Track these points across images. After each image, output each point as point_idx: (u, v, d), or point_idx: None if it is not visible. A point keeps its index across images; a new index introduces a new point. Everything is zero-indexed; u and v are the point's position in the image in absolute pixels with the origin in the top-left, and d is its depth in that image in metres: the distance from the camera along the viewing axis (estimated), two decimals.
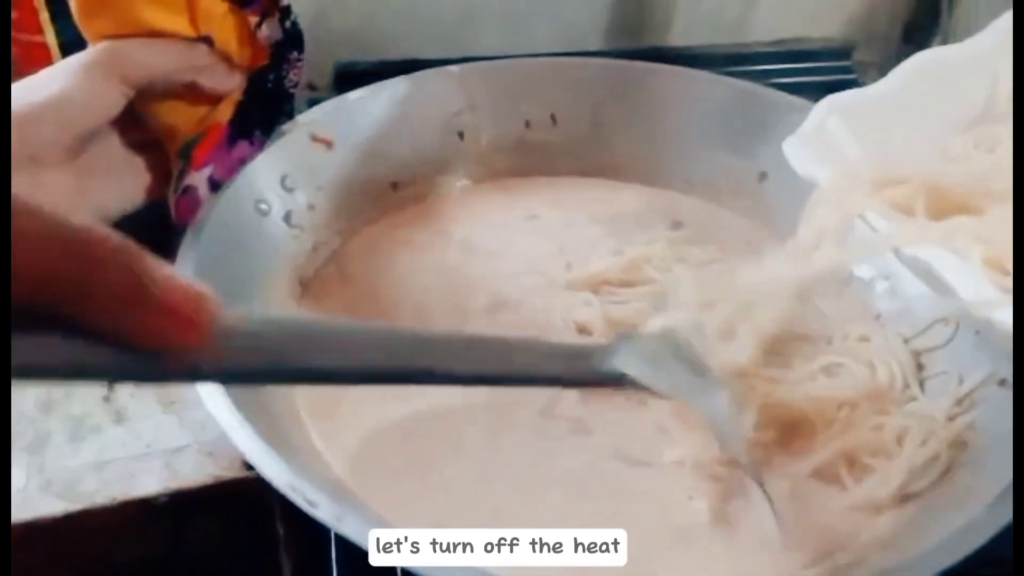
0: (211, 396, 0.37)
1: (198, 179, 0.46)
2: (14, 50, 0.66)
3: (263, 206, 0.50)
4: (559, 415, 0.45)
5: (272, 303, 0.48)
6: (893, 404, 0.44)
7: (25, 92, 0.43)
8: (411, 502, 0.40)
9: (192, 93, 0.47)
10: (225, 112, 0.48)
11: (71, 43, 0.56)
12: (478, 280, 0.54)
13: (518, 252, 0.56)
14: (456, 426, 0.44)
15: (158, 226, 0.59)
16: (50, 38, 0.61)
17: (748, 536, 0.40)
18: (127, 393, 0.53)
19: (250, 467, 0.49)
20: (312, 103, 0.57)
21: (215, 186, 0.46)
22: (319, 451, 0.42)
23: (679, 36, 0.83)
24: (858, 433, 0.43)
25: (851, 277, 0.51)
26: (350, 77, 0.71)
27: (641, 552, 0.38)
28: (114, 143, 0.46)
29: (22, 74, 0.65)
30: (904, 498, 0.41)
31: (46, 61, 0.59)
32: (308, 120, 0.54)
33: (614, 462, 0.43)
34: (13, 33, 0.62)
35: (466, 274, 0.54)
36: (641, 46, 0.81)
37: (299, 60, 0.49)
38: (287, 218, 0.51)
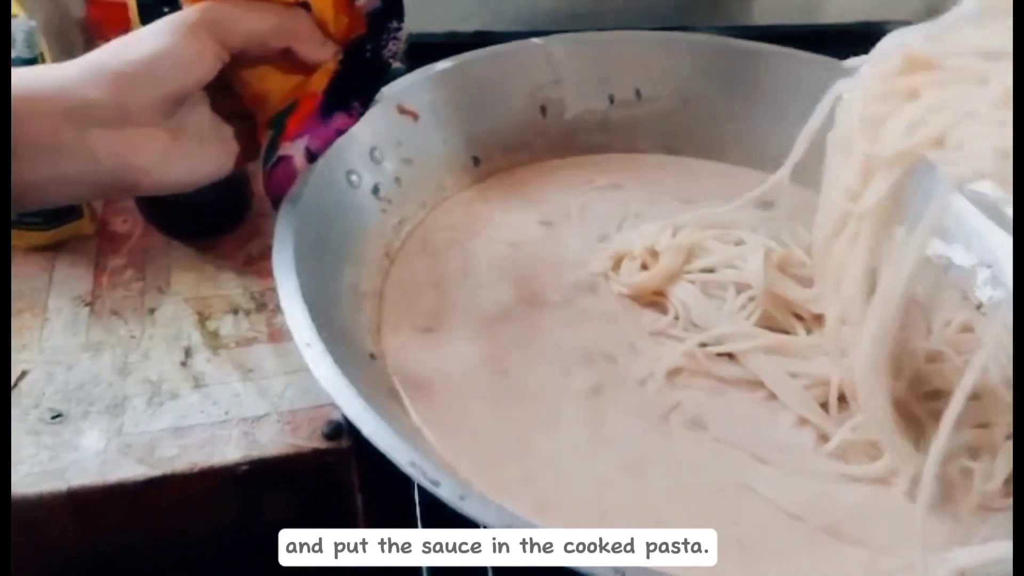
0: (317, 362, 0.36)
1: (294, 149, 0.45)
2: (93, 12, 0.65)
3: (353, 177, 0.49)
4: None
5: (361, 275, 0.48)
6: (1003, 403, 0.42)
7: (121, 50, 0.42)
8: (513, 483, 0.40)
9: (286, 61, 0.46)
10: (319, 82, 0.47)
11: (149, 4, 0.56)
12: (557, 256, 0.53)
13: (599, 229, 0.54)
14: (554, 404, 0.44)
15: (231, 199, 0.59)
16: None
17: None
18: (203, 359, 0.53)
19: (330, 438, 0.49)
20: (389, 79, 0.56)
21: (312, 157, 0.46)
22: (418, 426, 0.42)
23: (756, 15, 0.81)
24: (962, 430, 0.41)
25: (950, 264, 0.49)
26: (423, 48, 0.70)
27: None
28: (204, 109, 0.46)
29: (102, 35, 0.65)
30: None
31: (124, 22, 0.59)
32: (395, 91, 0.53)
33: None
34: None
35: (546, 250, 0.53)
36: (718, 24, 0.79)
37: (398, 30, 0.48)
38: (375, 191, 0.50)
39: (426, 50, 0.63)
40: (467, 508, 0.32)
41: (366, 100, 0.49)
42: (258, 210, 0.60)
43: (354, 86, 0.47)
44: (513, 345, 0.47)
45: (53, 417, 0.48)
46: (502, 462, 0.41)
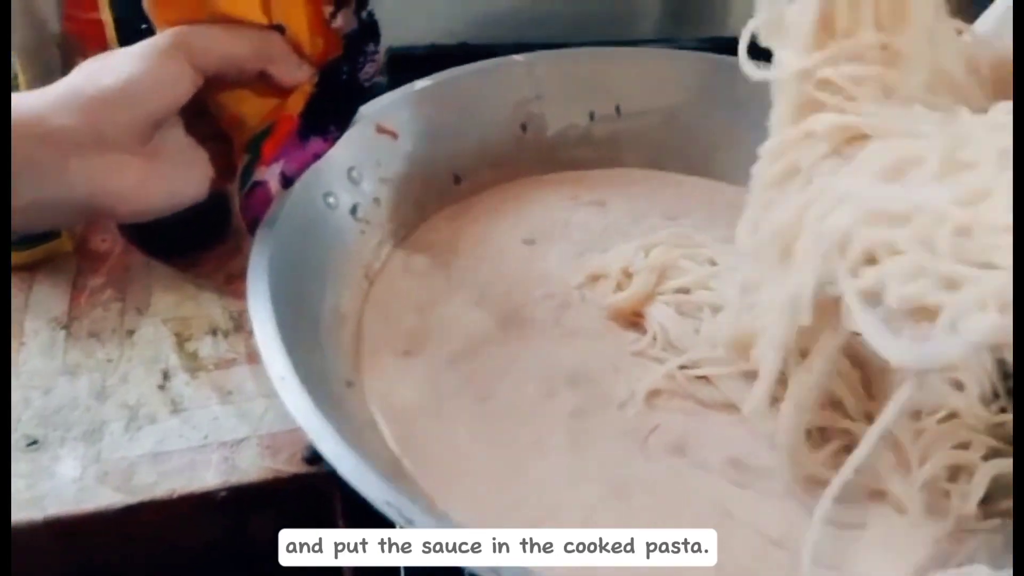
0: (291, 396, 0.35)
1: (269, 174, 0.45)
2: (70, 28, 0.64)
3: (331, 199, 0.49)
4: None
5: (340, 299, 0.47)
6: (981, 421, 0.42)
7: (95, 75, 0.42)
8: (498, 514, 0.40)
9: (261, 83, 0.46)
10: (296, 105, 0.46)
11: (126, 19, 0.55)
12: (540, 275, 0.53)
13: (582, 247, 0.54)
14: (537, 429, 0.44)
15: (212, 218, 0.59)
16: (105, 15, 0.60)
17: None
18: (182, 381, 0.52)
19: (311, 462, 0.48)
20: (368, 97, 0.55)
21: (287, 182, 0.45)
22: (398, 457, 0.41)
23: (732, 28, 0.81)
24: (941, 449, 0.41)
25: None
26: (403, 62, 0.69)
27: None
28: (180, 132, 0.45)
29: (80, 52, 0.65)
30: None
31: (101, 38, 0.58)
32: (373, 110, 0.52)
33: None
34: (69, 10, 0.60)
35: (529, 269, 0.53)
36: (697, 36, 0.79)
37: (375, 53, 0.47)
38: (353, 211, 0.50)
39: (408, 63, 0.63)
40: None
41: (343, 123, 0.48)
42: (239, 227, 0.60)
43: (330, 109, 0.47)
44: (495, 368, 0.47)
45: (29, 444, 0.47)
46: (486, 492, 0.40)
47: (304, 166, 0.46)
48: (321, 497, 0.49)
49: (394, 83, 0.57)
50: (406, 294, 0.51)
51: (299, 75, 0.46)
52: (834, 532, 0.39)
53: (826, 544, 0.39)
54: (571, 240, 0.55)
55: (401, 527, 0.32)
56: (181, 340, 0.54)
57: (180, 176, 0.45)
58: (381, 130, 0.52)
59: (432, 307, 0.50)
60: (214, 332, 0.55)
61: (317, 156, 0.47)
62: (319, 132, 0.47)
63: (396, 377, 0.46)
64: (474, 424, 0.44)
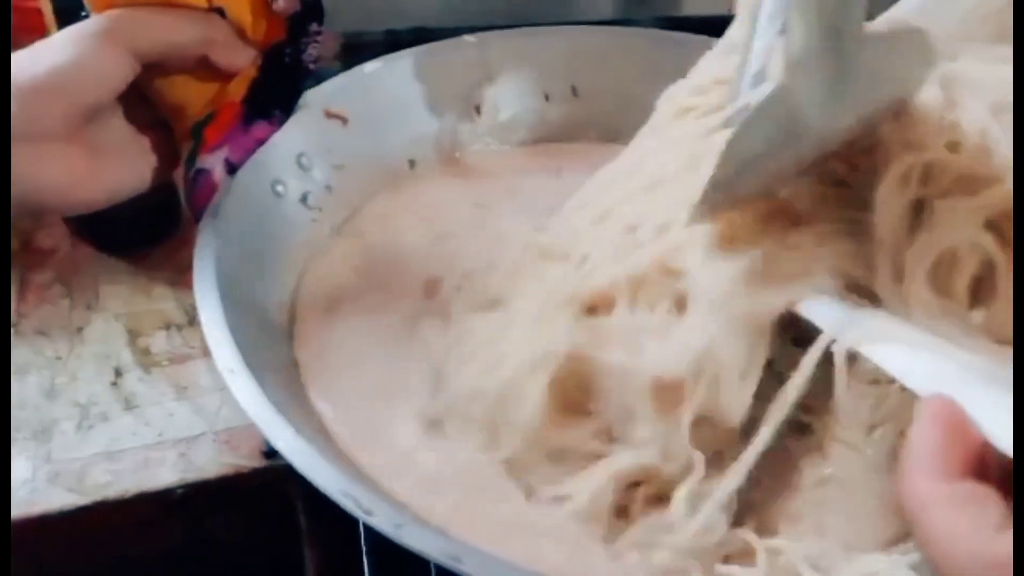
0: (241, 389, 0.35)
1: (212, 161, 0.44)
2: None
3: (279, 187, 0.48)
4: None
5: (290, 288, 0.46)
6: None
7: (28, 62, 0.40)
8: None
9: (203, 69, 0.44)
10: (238, 90, 0.45)
11: (66, 8, 0.53)
12: (487, 238, 0.52)
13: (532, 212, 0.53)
14: None
15: (161, 207, 0.57)
16: (44, 3, 0.58)
17: None
18: (135, 378, 0.51)
19: (270, 456, 0.48)
20: (318, 81, 0.54)
21: (232, 168, 0.44)
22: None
23: (685, 6, 0.80)
24: None
25: None
26: (357, 49, 0.68)
27: None
28: (119, 121, 0.44)
29: (18, 42, 0.63)
30: None
31: (41, 27, 0.56)
32: (321, 95, 0.51)
33: None
34: None
35: (479, 233, 0.52)
36: (650, 15, 0.78)
37: (319, 33, 0.46)
38: (304, 199, 0.49)
39: (362, 49, 0.61)
40: (404, 537, 0.31)
41: (288, 107, 0.47)
42: (189, 218, 0.59)
43: (275, 93, 0.46)
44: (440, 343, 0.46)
45: None
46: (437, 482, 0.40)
47: (249, 152, 0.45)
48: (281, 491, 0.48)
49: (348, 70, 0.56)
50: (346, 260, 0.50)
51: (241, 59, 0.45)
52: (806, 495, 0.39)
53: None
54: (520, 205, 0.54)
55: (360, 518, 0.31)
56: (133, 336, 0.53)
57: (120, 166, 0.43)
58: (330, 115, 0.51)
59: (368, 273, 0.49)
60: (167, 326, 0.54)
61: (261, 141, 0.45)
62: (263, 116, 0.46)
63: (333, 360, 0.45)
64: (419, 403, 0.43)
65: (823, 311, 0.34)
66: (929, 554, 0.25)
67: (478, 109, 0.57)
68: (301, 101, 0.49)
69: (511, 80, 0.57)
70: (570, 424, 0.39)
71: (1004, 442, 0.25)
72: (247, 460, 0.47)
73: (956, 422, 0.26)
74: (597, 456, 0.38)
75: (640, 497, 0.37)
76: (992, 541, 0.23)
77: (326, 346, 0.44)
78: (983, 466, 0.26)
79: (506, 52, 0.57)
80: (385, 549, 0.44)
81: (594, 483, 0.37)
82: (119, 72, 0.41)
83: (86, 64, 0.40)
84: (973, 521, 0.24)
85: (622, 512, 0.38)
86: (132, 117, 0.44)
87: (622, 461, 0.37)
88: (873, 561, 0.35)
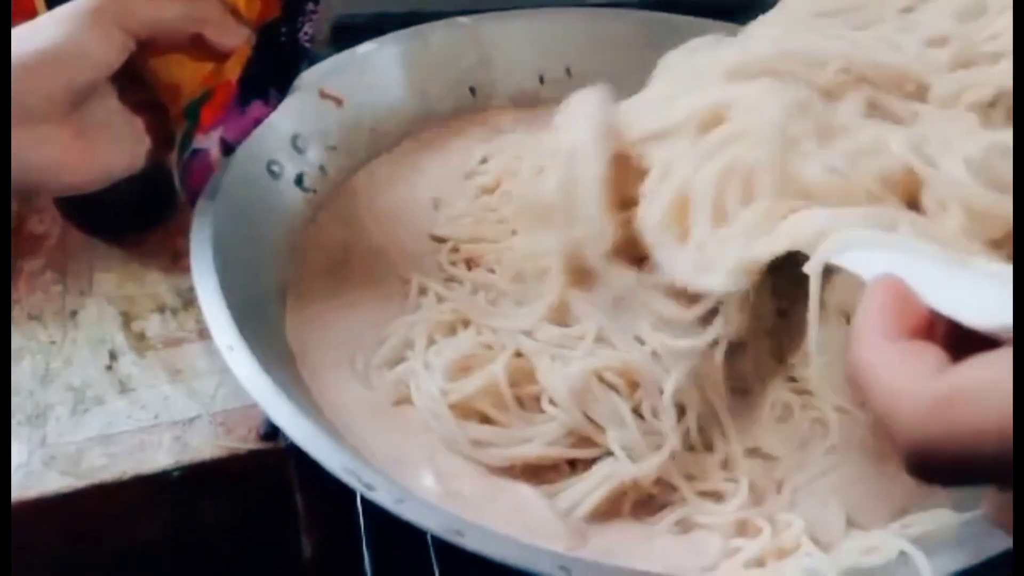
0: (242, 366, 0.34)
1: (209, 141, 0.43)
2: None
3: (275, 168, 0.47)
4: None
5: (287, 269, 0.46)
6: None
7: (18, 42, 0.40)
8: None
9: (197, 48, 0.44)
10: (233, 69, 0.44)
11: None
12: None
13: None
14: None
15: (155, 192, 0.57)
16: None
17: None
18: (130, 361, 0.51)
19: (267, 438, 0.47)
20: (311, 63, 0.54)
21: (228, 149, 0.43)
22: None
23: None
24: None
25: None
26: (348, 31, 0.68)
27: None
28: (112, 102, 0.43)
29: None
30: None
31: (31, 10, 0.56)
32: (316, 76, 0.51)
33: None
34: None
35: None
36: None
37: (314, 12, 0.46)
38: (299, 181, 0.49)
39: (354, 32, 0.61)
40: (405, 512, 0.31)
41: (283, 87, 0.47)
42: (183, 203, 0.58)
43: (270, 72, 0.45)
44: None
45: None
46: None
47: (245, 132, 0.44)
48: (278, 474, 0.48)
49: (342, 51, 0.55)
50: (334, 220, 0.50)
51: (236, 38, 0.44)
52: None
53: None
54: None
55: (362, 493, 0.31)
56: (128, 320, 0.53)
57: (113, 147, 0.43)
58: (325, 95, 0.51)
59: (363, 257, 0.48)
60: (162, 310, 0.53)
61: (258, 121, 0.45)
62: (259, 96, 0.45)
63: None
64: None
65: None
66: (875, 413, 0.24)
67: (473, 91, 0.57)
68: (296, 82, 0.49)
69: (505, 61, 0.57)
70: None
71: (946, 305, 0.25)
72: (243, 443, 0.47)
73: (899, 291, 0.27)
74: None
75: None
76: (930, 381, 0.23)
77: (320, 324, 0.44)
78: (930, 333, 0.26)
79: (500, 34, 0.57)
80: (384, 532, 0.44)
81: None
82: (111, 51, 0.40)
83: (77, 43, 0.39)
84: (913, 370, 0.24)
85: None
86: (127, 97, 0.43)
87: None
88: (872, 537, 0.35)
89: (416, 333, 0.42)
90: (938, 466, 0.23)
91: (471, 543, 0.30)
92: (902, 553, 0.32)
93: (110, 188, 0.50)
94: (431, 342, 0.42)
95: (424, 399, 0.39)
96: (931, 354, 0.24)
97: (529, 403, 0.40)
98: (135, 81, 0.44)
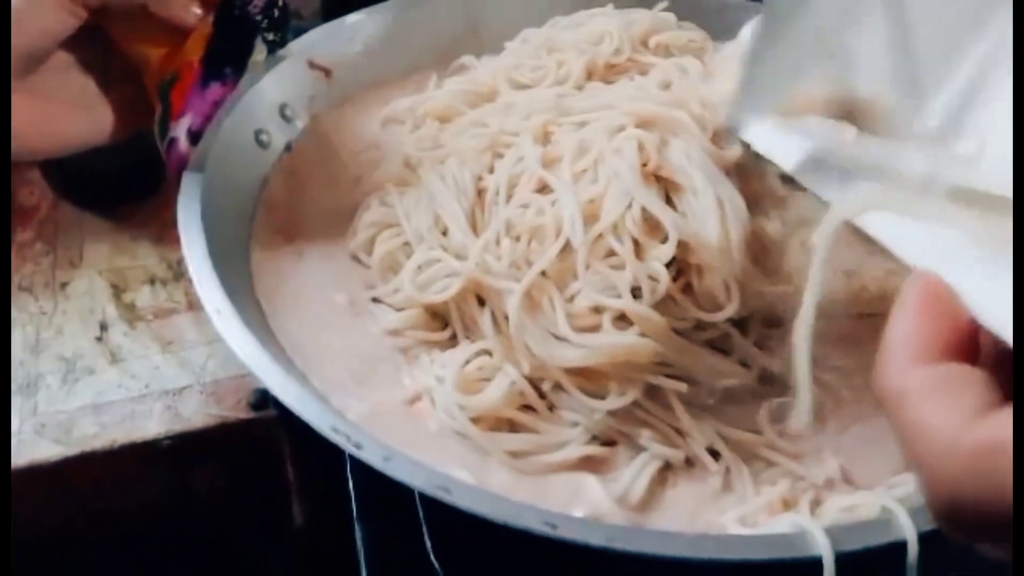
0: (230, 330, 0.34)
1: (179, 130, 0.43)
2: None
3: (263, 136, 0.47)
4: None
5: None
6: None
7: None
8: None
9: (150, 21, 0.43)
10: (196, 49, 0.43)
11: None
12: None
13: None
14: None
15: (142, 164, 0.57)
16: None
17: None
18: (120, 332, 0.51)
19: (257, 408, 0.48)
20: (299, 34, 0.53)
21: (195, 137, 0.43)
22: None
23: None
24: None
25: None
26: (338, 2, 0.67)
27: None
28: (75, 72, 0.43)
29: None
30: None
31: None
32: (304, 45, 0.50)
33: None
34: None
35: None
36: None
37: None
38: (288, 150, 0.48)
39: (343, 3, 0.60)
40: (391, 469, 0.31)
41: (239, 65, 0.45)
42: (172, 176, 0.58)
43: (227, 51, 0.44)
44: None
45: None
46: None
47: (207, 118, 0.43)
48: (269, 443, 0.48)
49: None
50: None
51: (179, 10, 0.43)
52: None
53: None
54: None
55: (350, 452, 0.31)
56: (118, 291, 0.53)
57: (71, 117, 0.42)
58: (313, 66, 0.50)
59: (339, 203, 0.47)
60: (152, 282, 0.54)
61: (217, 104, 0.44)
62: (217, 77, 0.44)
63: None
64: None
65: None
66: (908, 455, 0.21)
67: (463, 62, 0.57)
68: (284, 51, 0.48)
69: (496, 32, 0.56)
70: None
71: (994, 321, 0.21)
72: (233, 412, 0.47)
73: (937, 296, 0.22)
74: None
75: None
76: (970, 427, 0.19)
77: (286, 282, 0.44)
78: (974, 348, 0.22)
79: (490, 3, 0.56)
80: (374, 500, 0.44)
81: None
82: (57, 19, 0.40)
83: (23, 10, 0.39)
84: (948, 408, 0.20)
85: None
86: (96, 69, 0.43)
87: None
88: (857, 496, 0.36)
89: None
90: (980, 527, 0.20)
91: (457, 499, 0.30)
92: (885, 509, 0.33)
93: (98, 160, 0.50)
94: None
95: (446, 418, 0.37)
96: (972, 387, 0.20)
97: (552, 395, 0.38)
98: (110, 53, 0.43)
